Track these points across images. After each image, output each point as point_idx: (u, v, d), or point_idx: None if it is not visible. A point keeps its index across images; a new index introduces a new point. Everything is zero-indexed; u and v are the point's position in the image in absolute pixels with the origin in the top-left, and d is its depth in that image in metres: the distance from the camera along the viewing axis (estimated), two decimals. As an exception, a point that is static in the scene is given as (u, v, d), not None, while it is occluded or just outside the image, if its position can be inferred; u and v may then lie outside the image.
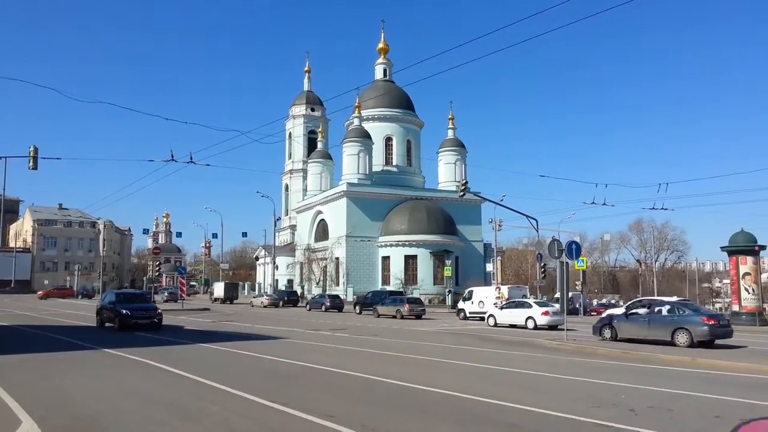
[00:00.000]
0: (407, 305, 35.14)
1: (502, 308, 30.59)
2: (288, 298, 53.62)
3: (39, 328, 24.46)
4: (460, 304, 38.11)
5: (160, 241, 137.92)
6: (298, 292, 64.62)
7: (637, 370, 13.92)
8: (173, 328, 25.47)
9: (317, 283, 69.49)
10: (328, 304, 44.85)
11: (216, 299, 60.19)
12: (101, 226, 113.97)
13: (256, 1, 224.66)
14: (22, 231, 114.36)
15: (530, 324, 27.34)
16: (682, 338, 18.73)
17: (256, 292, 72.84)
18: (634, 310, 21.89)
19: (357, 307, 43.13)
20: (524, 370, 13.35)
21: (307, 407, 8.49)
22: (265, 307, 49.06)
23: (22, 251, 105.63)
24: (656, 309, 20.39)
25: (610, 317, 21.63)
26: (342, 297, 50.65)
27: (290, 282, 77.23)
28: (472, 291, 39.27)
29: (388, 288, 61.82)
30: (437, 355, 16.20)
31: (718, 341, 19.01)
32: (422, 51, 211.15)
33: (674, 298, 28.03)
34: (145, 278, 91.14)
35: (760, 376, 13.12)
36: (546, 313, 27.54)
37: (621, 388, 10.95)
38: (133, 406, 8.80)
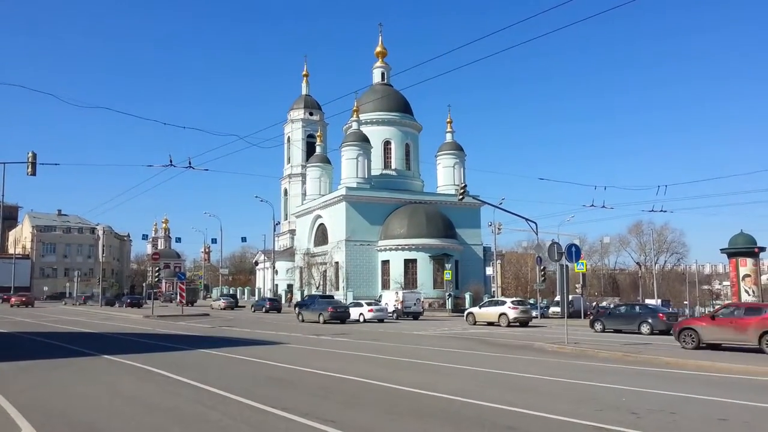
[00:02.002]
0: (330, 309, 35.15)
1: (481, 307, 36.24)
2: (271, 304, 52.68)
3: (38, 335, 24.39)
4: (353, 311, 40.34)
5: (159, 247, 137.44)
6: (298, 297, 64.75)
7: (639, 372, 13.86)
8: (171, 334, 25.38)
9: (317, 288, 69.38)
10: (268, 306, 52.21)
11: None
12: (100, 232, 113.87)
13: (255, 7, 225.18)
14: (21, 237, 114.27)
15: (503, 321, 31.30)
16: (645, 328, 27.04)
17: (256, 298, 72.88)
18: (616, 309, 31.31)
19: (296, 309, 41.65)
20: (525, 373, 13.29)
21: (308, 412, 8.43)
22: (222, 309, 54.89)
23: (21, 258, 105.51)
24: (630, 308, 30.41)
25: (599, 314, 30.27)
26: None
27: (290, 287, 77.18)
28: (381, 295, 46.37)
29: (388, 292, 61.83)
30: (436, 359, 16.14)
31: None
32: (420, 55, 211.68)
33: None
34: (144, 284, 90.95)
35: (763, 378, 13.06)
36: (515, 309, 32.61)
37: (623, 391, 10.90)
38: (132, 412, 8.74)
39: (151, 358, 15.35)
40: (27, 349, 18.93)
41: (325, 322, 34.02)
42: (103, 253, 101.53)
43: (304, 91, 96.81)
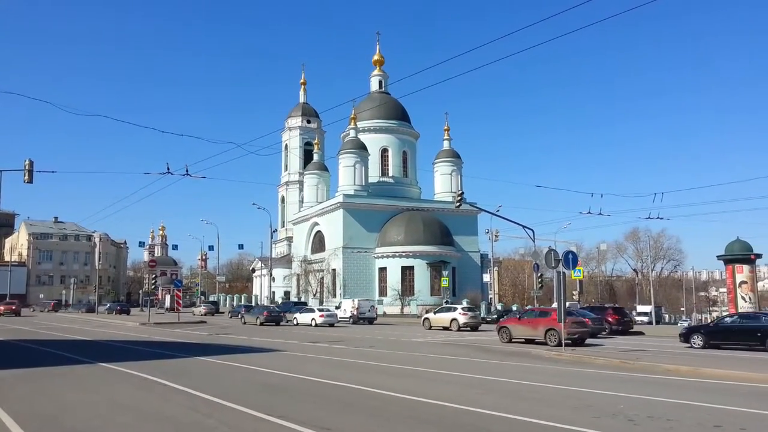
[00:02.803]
0: (265, 313, 41.92)
1: (435, 312, 38.61)
2: (247, 310, 49.86)
3: (34, 343, 24.29)
4: (301, 317, 44.06)
5: (156, 254, 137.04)
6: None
7: (635, 379, 13.87)
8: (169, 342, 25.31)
9: (314, 295, 69.28)
10: (204, 311, 58.06)
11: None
12: (97, 240, 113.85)
13: (252, 14, 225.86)
14: (18, 245, 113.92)
15: (454, 326, 32.96)
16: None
17: (254, 304, 72.64)
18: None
19: (240, 314, 48.17)
20: (521, 380, 13.28)
21: (304, 420, 8.42)
22: (203, 315, 56.91)
23: (18, 265, 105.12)
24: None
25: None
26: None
27: (287, 294, 77.02)
28: (341, 302, 49.81)
29: (385, 298, 61.93)
30: (435, 366, 16.12)
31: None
32: (418, 63, 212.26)
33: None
34: (141, 291, 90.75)
35: (759, 385, 13.07)
36: (464, 314, 34.89)
37: (620, 398, 10.90)
38: (128, 420, 8.71)
39: (147, 366, 15.30)
40: (23, 356, 18.86)
41: (261, 324, 40.23)
42: (99, 261, 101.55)
43: (301, 99, 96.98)
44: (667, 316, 78.06)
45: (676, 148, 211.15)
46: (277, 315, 41.80)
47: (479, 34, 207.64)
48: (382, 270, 67.11)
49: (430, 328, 35.18)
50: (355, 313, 45.03)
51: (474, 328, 35.00)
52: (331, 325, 39.51)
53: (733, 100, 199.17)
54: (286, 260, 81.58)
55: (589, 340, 24.80)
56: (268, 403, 9.91)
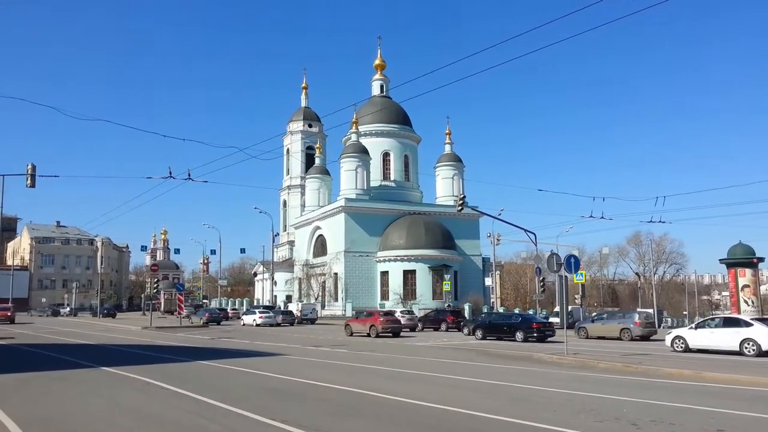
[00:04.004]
0: (206, 315, 49.85)
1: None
2: (210, 316, 50.66)
3: (37, 347, 24.32)
4: (246, 318, 50.01)
5: (158, 258, 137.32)
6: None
7: (639, 383, 13.84)
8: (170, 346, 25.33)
9: (316, 299, 69.29)
10: (207, 318, 57.96)
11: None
12: (99, 244, 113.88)
13: (254, 19, 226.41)
14: (20, 249, 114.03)
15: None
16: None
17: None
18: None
19: (189, 316, 52.46)
20: (524, 384, 13.27)
21: (306, 424, 8.42)
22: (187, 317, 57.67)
23: (20, 269, 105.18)
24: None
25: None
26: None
27: (289, 298, 77.02)
28: (289, 305, 58.41)
29: (387, 302, 61.88)
30: (435, 370, 16.11)
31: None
32: (419, 67, 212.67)
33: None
34: (143, 295, 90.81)
35: (761, 389, 13.04)
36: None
37: (623, 402, 10.88)
38: (130, 424, 8.72)
39: (150, 370, 15.31)
40: (26, 360, 18.87)
41: (204, 324, 45.81)
42: (101, 265, 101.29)
43: (303, 104, 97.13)
44: (669, 320, 77.86)
45: (678, 152, 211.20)
46: (217, 316, 49.65)
47: (480, 38, 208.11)
48: (384, 274, 67.06)
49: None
50: (298, 314, 52.09)
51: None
52: (272, 325, 45.30)
53: (734, 103, 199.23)
54: (288, 264, 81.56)
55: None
56: (270, 407, 9.91)
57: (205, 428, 8.35)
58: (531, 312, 53.37)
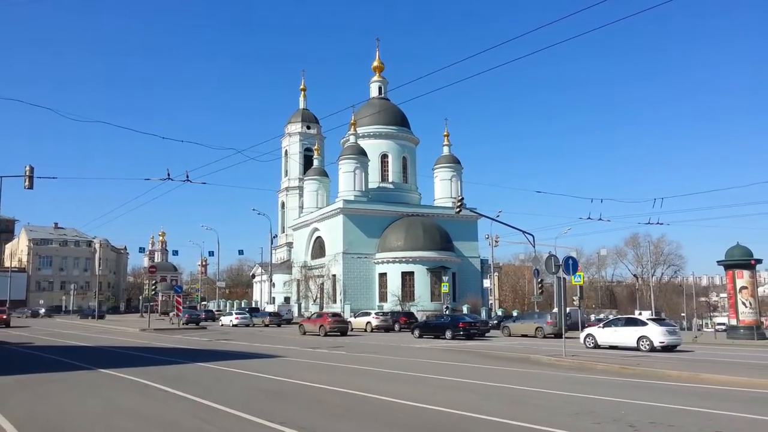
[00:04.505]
0: (186, 316, 49.40)
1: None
2: (191, 317, 50.93)
3: (34, 348, 24.27)
4: (224, 319, 52.85)
5: (156, 260, 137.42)
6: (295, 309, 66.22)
7: (637, 385, 13.85)
8: (169, 348, 25.30)
9: (314, 301, 69.26)
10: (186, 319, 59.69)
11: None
12: (97, 245, 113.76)
13: (253, 20, 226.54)
14: (18, 250, 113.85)
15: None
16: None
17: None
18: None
19: (169, 315, 55.10)
20: (522, 386, 13.27)
21: (304, 426, 8.42)
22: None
23: (18, 271, 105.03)
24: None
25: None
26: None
27: (287, 299, 77.00)
28: (265, 307, 61.32)
29: (385, 304, 61.92)
30: (433, 371, 16.11)
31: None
32: (417, 69, 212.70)
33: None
34: (141, 297, 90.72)
35: (760, 391, 13.06)
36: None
37: (621, 403, 10.89)
38: (128, 426, 8.72)
39: (148, 372, 15.29)
40: (24, 362, 18.84)
41: (184, 324, 46.36)
42: (99, 267, 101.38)
43: (301, 105, 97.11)
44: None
45: (676, 154, 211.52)
46: (196, 317, 50.79)
47: (479, 40, 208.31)
48: (382, 275, 67.06)
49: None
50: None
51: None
52: (247, 325, 48.53)
53: (733, 104, 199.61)
54: (286, 266, 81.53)
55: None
56: (268, 409, 9.91)
57: (202, 430, 8.34)
58: (633, 314, 53.91)
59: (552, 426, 8.58)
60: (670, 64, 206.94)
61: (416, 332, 35.15)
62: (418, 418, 9.40)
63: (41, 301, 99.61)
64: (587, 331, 27.29)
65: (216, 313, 63.52)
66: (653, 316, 28.47)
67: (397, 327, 42.23)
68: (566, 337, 21.22)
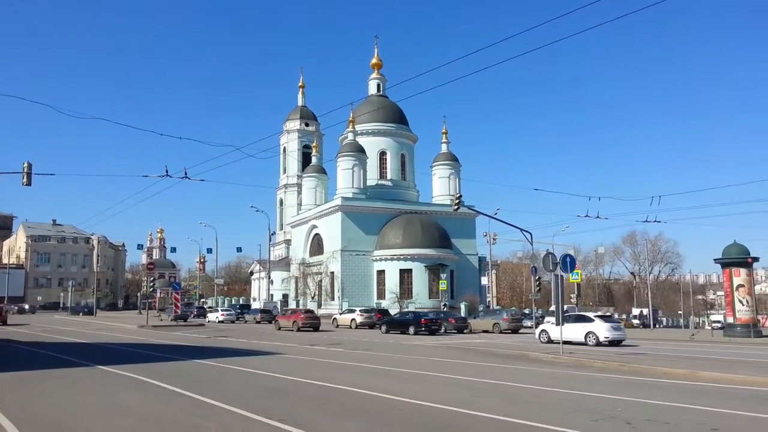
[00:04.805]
0: (174, 312, 51.20)
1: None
2: (162, 309, 55.78)
3: (33, 345, 24.28)
4: (210, 316, 55.30)
5: (154, 257, 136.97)
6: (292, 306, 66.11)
7: (634, 383, 13.91)
8: (169, 345, 25.31)
9: (312, 298, 69.30)
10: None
11: None
12: (95, 242, 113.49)
13: (251, 18, 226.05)
14: (16, 247, 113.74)
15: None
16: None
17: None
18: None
19: (157, 312, 57.43)
20: (519, 383, 13.32)
21: (303, 423, 8.45)
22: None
23: (16, 267, 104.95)
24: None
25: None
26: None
27: (285, 297, 77.04)
28: (252, 304, 65.36)
29: (384, 301, 62.00)
30: (431, 369, 16.15)
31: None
32: (416, 66, 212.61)
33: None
34: (139, 294, 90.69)
35: (756, 389, 13.11)
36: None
37: (618, 401, 10.94)
38: (127, 423, 8.74)
39: (147, 369, 15.31)
40: (22, 359, 18.85)
41: (172, 320, 48.41)
42: (97, 263, 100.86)
43: (300, 102, 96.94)
44: (665, 319, 78.15)
45: (674, 152, 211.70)
46: (184, 314, 51.62)
47: (477, 37, 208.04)
48: (381, 273, 67.05)
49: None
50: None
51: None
52: (232, 321, 51.53)
53: (729, 103, 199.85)
54: (285, 263, 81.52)
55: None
56: (267, 405, 9.94)
57: (201, 427, 8.36)
58: (527, 311, 53.93)
59: (549, 423, 8.62)
60: (668, 63, 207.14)
61: (383, 328, 37.27)
62: (415, 414, 9.44)
63: (39, 298, 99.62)
64: (542, 327, 29.40)
65: (208, 309, 64.31)
66: (600, 314, 30.64)
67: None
68: (522, 333, 21.52)
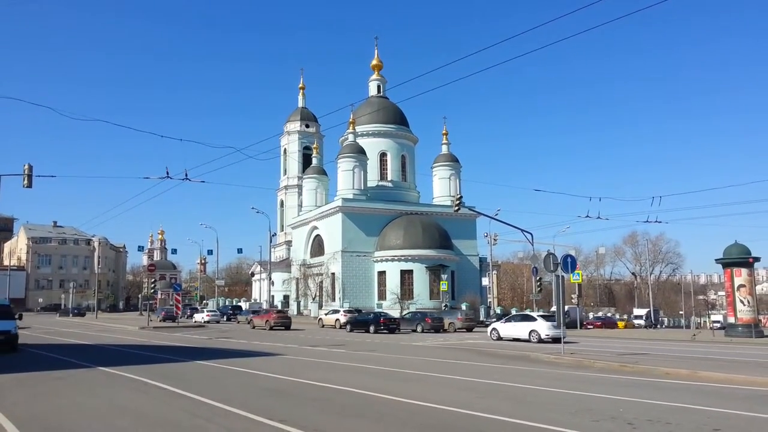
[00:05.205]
0: (163, 313, 54.73)
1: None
2: (167, 314, 54.91)
3: (35, 347, 24.26)
4: (197, 316, 56.01)
5: (155, 258, 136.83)
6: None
7: (635, 383, 13.89)
8: (170, 346, 25.31)
9: (313, 299, 69.31)
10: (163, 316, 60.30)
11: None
12: (96, 244, 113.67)
13: (251, 20, 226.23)
14: (17, 249, 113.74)
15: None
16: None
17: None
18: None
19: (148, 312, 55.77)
20: (521, 384, 13.31)
21: (305, 424, 8.44)
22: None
23: (17, 269, 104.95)
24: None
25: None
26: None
27: (286, 298, 77.04)
28: (240, 306, 68.69)
29: (384, 302, 61.98)
30: (433, 370, 16.15)
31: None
32: (416, 67, 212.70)
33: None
34: (140, 295, 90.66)
35: (757, 389, 13.10)
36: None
37: (619, 401, 10.93)
38: (128, 424, 8.73)
39: (148, 370, 15.31)
40: (23, 360, 18.84)
41: (161, 321, 50.96)
42: (98, 265, 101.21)
43: (300, 104, 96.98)
44: (666, 319, 78.08)
45: (675, 152, 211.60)
46: (172, 314, 52.41)
47: (477, 38, 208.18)
48: (381, 274, 67.01)
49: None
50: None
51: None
52: (217, 321, 53.71)
53: (730, 103, 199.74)
54: (285, 264, 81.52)
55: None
56: (268, 407, 9.93)
57: (203, 428, 8.36)
58: (528, 311, 53.93)
59: (551, 423, 8.62)
60: (670, 63, 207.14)
61: (348, 327, 39.73)
62: (417, 415, 9.43)
63: (40, 300, 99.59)
64: (492, 325, 31.98)
65: (191, 311, 64.81)
66: (542, 314, 32.98)
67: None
68: (475, 331, 21.74)
